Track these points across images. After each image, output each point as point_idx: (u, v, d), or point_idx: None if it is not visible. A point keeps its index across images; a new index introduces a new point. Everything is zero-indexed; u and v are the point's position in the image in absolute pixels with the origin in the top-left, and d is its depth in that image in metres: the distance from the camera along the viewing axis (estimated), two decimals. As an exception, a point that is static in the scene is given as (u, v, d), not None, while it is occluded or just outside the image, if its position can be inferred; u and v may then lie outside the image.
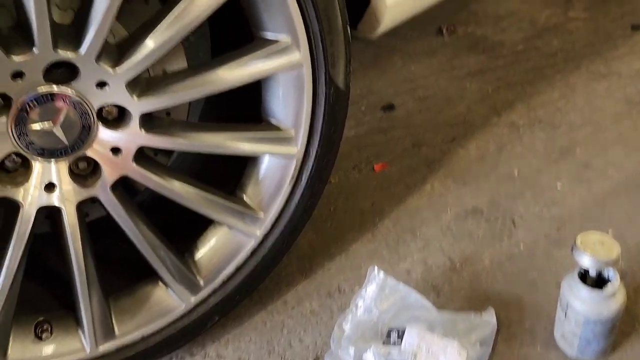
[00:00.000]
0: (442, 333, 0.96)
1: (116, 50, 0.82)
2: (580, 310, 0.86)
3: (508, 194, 1.28)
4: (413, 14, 1.17)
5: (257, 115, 1.02)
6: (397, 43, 1.91)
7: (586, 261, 0.84)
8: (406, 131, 1.52)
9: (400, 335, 0.96)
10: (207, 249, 1.05)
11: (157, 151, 1.06)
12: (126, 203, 0.92)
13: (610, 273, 0.87)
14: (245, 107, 1.07)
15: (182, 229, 1.08)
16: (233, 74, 0.91)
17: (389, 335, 0.97)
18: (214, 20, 0.90)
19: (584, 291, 0.86)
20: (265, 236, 1.05)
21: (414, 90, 1.68)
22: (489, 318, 1.00)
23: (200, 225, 1.07)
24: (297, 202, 1.04)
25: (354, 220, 1.29)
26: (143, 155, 0.91)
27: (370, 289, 1.04)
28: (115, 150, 0.87)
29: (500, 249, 1.16)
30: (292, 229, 1.07)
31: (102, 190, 0.88)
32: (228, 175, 1.08)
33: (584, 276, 0.89)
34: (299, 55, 0.92)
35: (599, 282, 0.87)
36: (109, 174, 0.87)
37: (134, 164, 0.89)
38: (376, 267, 1.06)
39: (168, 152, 1.11)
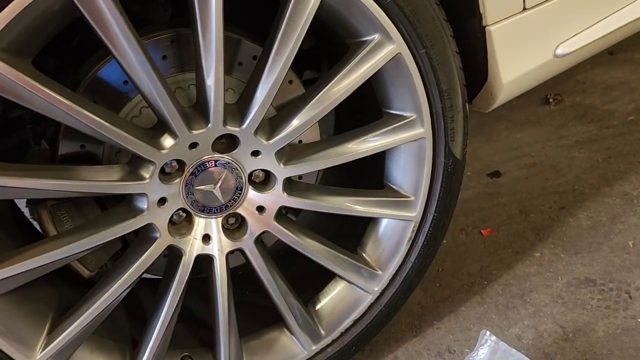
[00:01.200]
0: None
1: (269, 125, 0.96)
2: None
3: (623, 266, 1.28)
4: (528, 89, 1.25)
5: (380, 181, 1.13)
6: (502, 111, 1.97)
7: None
8: (512, 197, 1.56)
9: (514, 397, 0.99)
10: (328, 300, 1.15)
11: (287, 210, 1.19)
12: (265, 255, 1.04)
13: None
14: (367, 174, 1.19)
15: (306, 282, 1.19)
16: (362, 146, 1.02)
17: (502, 397, 1.00)
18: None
19: None
20: (382, 292, 1.13)
21: (519, 157, 1.73)
22: (605, 390, 1.01)
23: (323, 278, 1.17)
24: (413, 261, 1.12)
25: (463, 283, 1.34)
26: (281, 214, 1.04)
27: (481, 352, 1.08)
28: (260, 209, 1.00)
29: (615, 321, 1.16)
30: (407, 286, 1.14)
31: (248, 244, 1.00)
32: (350, 235, 1.19)
33: None
34: (422, 130, 1.02)
35: None
36: (254, 229, 1.00)
37: (274, 222, 1.01)
38: (488, 331, 1.10)
39: (296, 212, 1.24)
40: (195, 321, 1.15)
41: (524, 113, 1.95)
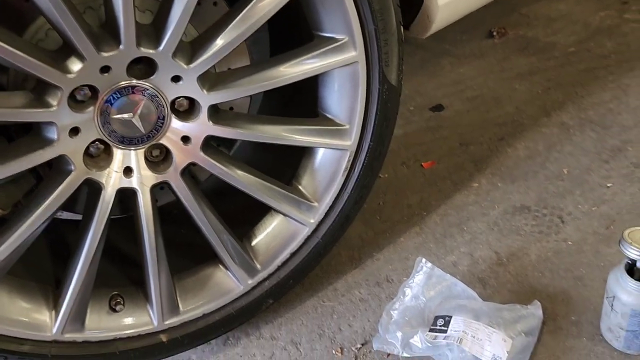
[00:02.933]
0: (488, 322, 1.00)
1: (189, 48, 0.90)
2: (627, 302, 0.88)
3: (556, 192, 1.30)
4: (464, 13, 1.21)
5: (314, 110, 1.08)
6: (446, 46, 1.94)
7: (633, 253, 0.86)
8: (454, 130, 1.55)
9: (447, 322, 1.00)
10: (264, 235, 1.12)
11: (219, 143, 1.14)
12: (193, 189, 1.00)
13: (658, 266, 0.89)
14: (301, 103, 1.14)
15: (240, 217, 1.15)
16: (293, 70, 0.97)
17: (435, 322, 1.01)
18: (274, 20, 0.97)
19: (631, 283, 0.87)
20: (319, 224, 1.11)
21: (462, 91, 1.71)
22: (535, 310, 1.03)
23: (257, 213, 1.14)
24: (349, 192, 1.10)
25: (402, 214, 1.33)
26: (209, 145, 0.99)
27: (417, 278, 1.08)
28: (185, 139, 0.95)
29: (547, 245, 1.18)
30: (344, 218, 1.12)
31: (173, 176, 0.95)
32: (284, 167, 1.15)
33: (631, 269, 0.90)
34: (355, 53, 0.98)
35: (647, 275, 0.89)
36: (179, 161, 0.95)
37: (201, 152, 0.96)
38: (423, 258, 1.10)
39: (229, 144, 1.19)
40: (125, 260, 1.11)
41: (468, 47, 1.93)
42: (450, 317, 1.01)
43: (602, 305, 0.97)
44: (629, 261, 0.90)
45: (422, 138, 1.55)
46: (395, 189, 1.41)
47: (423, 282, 1.08)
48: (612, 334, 0.95)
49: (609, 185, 1.28)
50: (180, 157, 0.96)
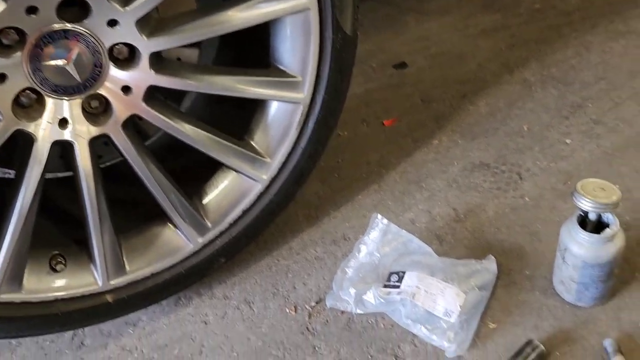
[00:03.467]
0: (442, 277, 0.98)
1: (126, -11, 0.83)
2: (578, 254, 0.88)
3: (516, 149, 1.28)
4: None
5: (266, 62, 1.04)
6: (412, 3, 1.89)
7: (585, 205, 0.85)
8: (416, 87, 1.52)
9: (400, 278, 0.98)
10: (215, 192, 1.08)
11: (167, 95, 1.08)
12: (137, 143, 0.94)
13: (610, 218, 0.88)
14: (254, 55, 1.09)
15: (193, 174, 1.11)
16: (242, 15, 0.92)
17: (389, 277, 1.00)
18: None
19: (583, 235, 0.87)
20: (272, 181, 1.07)
21: (426, 48, 1.68)
22: (489, 265, 1.02)
23: (209, 170, 1.10)
24: (303, 148, 1.06)
25: (361, 172, 1.31)
26: (154, 97, 0.93)
27: (373, 235, 1.06)
28: (126, 89, 0.89)
29: (504, 201, 1.17)
30: (299, 174, 1.09)
31: (114, 128, 0.90)
32: (237, 122, 1.11)
33: (583, 221, 0.90)
34: (307, -1, 0.93)
35: (598, 227, 0.88)
36: (120, 112, 0.90)
37: (144, 104, 0.91)
38: (379, 214, 1.08)
39: (178, 97, 1.13)
40: (69, 220, 1.06)
41: (434, 3, 1.88)
42: (404, 272, 0.99)
43: (556, 259, 0.97)
44: (581, 213, 0.89)
45: (384, 95, 1.51)
46: (355, 146, 1.38)
47: (378, 238, 1.06)
48: (564, 286, 0.95)
49: (567, 141, 1.27)
50: (121, 109, 0.90)
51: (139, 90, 0.90)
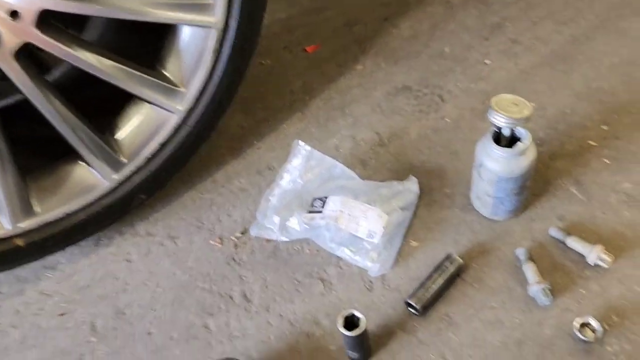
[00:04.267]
0: (366, 200, 0.99)
1: None
2: (493, 169, 0.90)
3: (438, 71, 1.28)
4: None
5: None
6: None
7: (498, 120, 0.86)
8: (339, 11, 1.47)
9: (324, 203, 0.98)
10: (128, 126, 1.03)
11: (68, 24, 1.00)
12: (34, 76, 0.87)
13: (522, 132, 0.90)
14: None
15: (102, 108, 1.04)
16: None
17: (312, 203, 1.00)
18: None
19: (497, 150, 0.89)
20: (189, 112, 1.02)
21: (349, -29, 1.61)
22: (411, 185, 1.04)
23: (121, 103, 1.04)
24: (220, 76, 1.02)
25: (284, 101, 1.27)
26: (49, 24, 0.85)
27: (295, 162, 1.05)
28: (14, 14, 0.81)
29: (426, 123, 1.18)
30: (217, 105, 1.05)
31: (4, 59, 0.82)
32: (148, 51, 1.04)
33: (498, 137, 0.91)
34: None
35: (512, 143, 0.90)
36: (9, 40, 0.82)
37: (37, 31, 0.83)
38: (300, 141, 1.06)
39: (80, 25, 1.05)
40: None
41: None
42: (327, 197, 0.99)
43: (472, 175, 0.99)
44: (496, 129, 0.91)
45: (306, 20, 1.46)
46: (278, 74, 1.34)
47: (301, 165, 1.04)
48: (480, 201, 0.98)
49: (487, 62, 1.28)
50: (10, 36, 0.82)
51: (29, 15, 0.82)
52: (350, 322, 0.81)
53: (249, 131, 1.23)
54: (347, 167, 1.08)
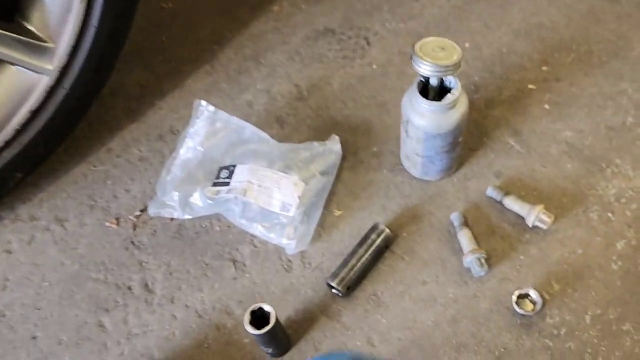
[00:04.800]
0: (281, 166, 0.86)
1: None
2: (420, 125, 0.78)
3: (363, 10, 1.13)
4: None
5: None
6: None
7: (424, 69, 0.73)
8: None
9: (231, 173, 0.85)
10: (-13, 92, 0.85)
11: None
12: None
13: (452, 81, 0.78)
14: None
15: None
16: None
17: (218, 174, 0.86)
18: None
19: (424, 104, 0.76)
20: (62, 71, 0.85)
21: None
22: (333, 146, 0.91)
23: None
24: (97, 25, 0.84)
25: (190, 51, 1.10)
26: None
27: (198, 125, 0.90)
28: None
29: (351, 71, 1.04)
30: (98, 60, 0.88)
31: None
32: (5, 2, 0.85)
33: (425, 88, 0.79)
34: None
35: (442, 93, 0.78)
36: None
37: None
38: (202, 101, 0.91)
39: None
40: None
41: None
42: (235, 166, 0.85)
43: (400, 132, 0.87)
44: (422, 79, 0.78)
45: (215, -45, 1.26)
46: (182, 21, 1.15)
47: (205, 129, 0.90)
48: (410, 161, 0.87)
49: (418, -3, 1.14)
50: None
51: None
52: (261, 317, 0.70)
53: (149, 89, 1.06)
54: (262, 126, 0.94)
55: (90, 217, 0.92)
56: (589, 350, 0.73)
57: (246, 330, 0.69)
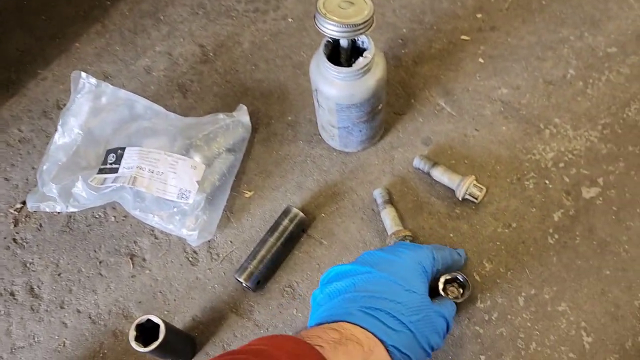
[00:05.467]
0: (183, 145, 0.75)
1: None
2: (330, 94, 0.67)
3: (278, -47, 0.99)
4: None
5: None
6: None
7: (328, 29, 0.62)
8: None
9: (119, 157, 0.73)
10: None
11: None
12: None
13: (365, 42, 0.66)
14: None
15: None
16: None
17: (105, 158, 0.74)
18: None
19: (332, 71, 0.65)
20: None
21: None
22: (242, 117, 0.79)
23: None
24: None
25: (79, 9, 0.95)
26: None
27: (80, 101, 0.77)
28: None
29: (264, 26, 0.91)
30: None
31: None
32: None
33: (334, 51, 0.68)
34: None
35: (356, 55, 0.67)
36: None
37: None
38: (83, 73, 0.78)
39: None
40: None
41: None
42: (124, 149, 0.74)
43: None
44: (329, 40, 0.67)
45: None
46: (68, -29, 0.99)
47: (87, 105, 0.77)
48: (327, 133, 0.76)
49: None
50: None
51: None
52: (151, 328, 0.60)
53: (29, 55, 0.91)
54: (163, 96, 0.83)
55: (-37, 212, 0.79)
56: (522, 336, 0.67)
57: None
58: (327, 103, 0.69)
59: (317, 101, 0.71)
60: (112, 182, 0.71)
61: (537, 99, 0.82)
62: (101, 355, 0.69)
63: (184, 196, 0.71)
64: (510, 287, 0.70)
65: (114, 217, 0.77)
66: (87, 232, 0.77)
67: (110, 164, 0.73)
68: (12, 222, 0.78)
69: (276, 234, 0.71)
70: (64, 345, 0.70)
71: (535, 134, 0.79)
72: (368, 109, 0.70)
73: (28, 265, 0.75)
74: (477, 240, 0.73)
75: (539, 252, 0.71)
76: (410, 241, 0.71)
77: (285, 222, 0.72)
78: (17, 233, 0.77)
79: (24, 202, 0.79)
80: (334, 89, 0.67)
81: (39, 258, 0.76)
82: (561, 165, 0.77)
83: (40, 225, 0.78)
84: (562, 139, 0.79)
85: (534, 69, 0.84)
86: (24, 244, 0.77)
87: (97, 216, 0.78)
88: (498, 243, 0.72)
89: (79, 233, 0.77)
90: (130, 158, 0.72)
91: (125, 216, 0.77)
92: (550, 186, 0.75)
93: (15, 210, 0.79)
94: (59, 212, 0.78)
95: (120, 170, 0.72)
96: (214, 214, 0.74)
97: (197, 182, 0.72)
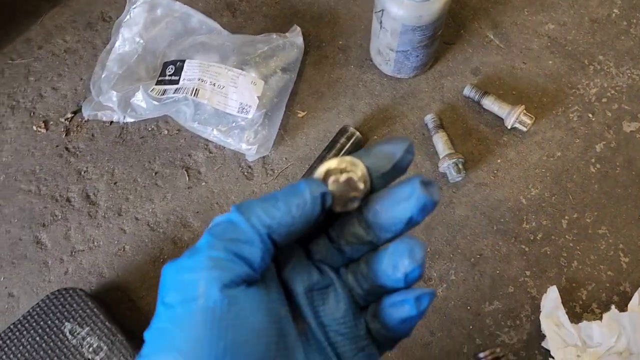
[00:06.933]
0: (235, 62, 0.75)
1: None
2: (398, 15, 0.68)
3: None
4: None
5: None
6: None
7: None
8: None
9: (178, 69, 0.73)
10: None
11: None
12: None
13: (436, -37, 0.67)
14: None
15: None
16: None
17: (163, 70, 0.74)
18: None
19: (403, -11, 0.66)
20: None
21: None
22: (295, 38, 0.80)
23: None
24: None
25: None
26: None
27: (135, 12, 0.76)
28: None
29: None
30: None
31: None
32: None
33: (404, -30, 0.68)
34: None
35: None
36: None
37: None
38: (140, -20, 0.77)
39: None
40: None
41: None
42: (183, 62, 0.74)
43: (372, 24, 0.77)
44: (402, -42, 0.67)
45: None
46: None
47: (143, 17, 0.76)
48: (382, 57, 0.78)
49: None
50: None
51: None
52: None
53: (72, -34, 0.89)
54: (211, 14, 0.82)
55: (13, 119, 0.79)
56: (564, 255, 0.71)
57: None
58: (393, 24, 0.70)
59: (380, 23, 0.72)
60: (174, 93, 0.71)
61: (583, 36, 0.84)
62: (161, 260, 0.72)
63: (244, 110, 0.72)
64: (555, 210, 0.74)
65: (167, 130, 0.78)
66: (141, 144, 0.78)
67: (169, 76, 0.73)
68: (64, 131, 0.78)
69: (334, 152, 0.73)
70: (124, 250, 0.72)
71: (579, 70, 0.82)
72: (431, 32, 0.71)
73: (82, 173, 0.76)
74: (523, 166, 0.76)
75: (581, 180, 0.75)
76: (463, 165, 0.73)
77: (343, 140, 0.74)
78: (69, 142, 0.78)
79: (74, 112, 0.79)
80: (402, 10, 0.67)
81: (93, 167, 0.76)
82: (604, 100, 0.80)
83: (93, 135, 0.78)
84: (605, 76, 0.82)
85: (580, 7, 0.86)
86: (77, 152, 0.77)
87: (149, 129, 0.78)
88: (543, 170, 0.76)
89: (133, 144, 0.77)
90: (190, 70, 0.72)
91: (178, 130, 0.78)
92: (593, 119, 0.79)
93: (66, 120, 0.79)
94: (111, 123, 0.78)
95: (181, 82, 0.72)
96: (271, 130, 0.75)
97: (258, 97, 0.73)
